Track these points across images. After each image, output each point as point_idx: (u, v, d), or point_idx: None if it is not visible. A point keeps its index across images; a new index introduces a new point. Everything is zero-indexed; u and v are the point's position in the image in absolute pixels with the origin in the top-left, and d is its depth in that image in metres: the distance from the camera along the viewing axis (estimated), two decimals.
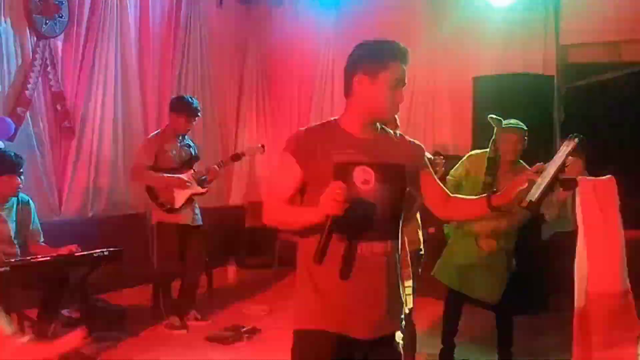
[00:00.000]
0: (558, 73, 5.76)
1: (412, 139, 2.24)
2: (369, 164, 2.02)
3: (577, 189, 2.17)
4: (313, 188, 2.03)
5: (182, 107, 4.78)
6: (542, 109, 5.52)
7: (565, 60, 5.80)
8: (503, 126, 3.87)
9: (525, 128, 3.90)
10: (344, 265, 1.98)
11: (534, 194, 2.13)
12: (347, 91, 2.11)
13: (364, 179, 1.99)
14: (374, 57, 2.04)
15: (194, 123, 4.85)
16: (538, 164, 2.14)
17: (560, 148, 2.18)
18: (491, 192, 2.18)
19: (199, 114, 4.84)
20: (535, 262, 4.98)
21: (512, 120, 3.93)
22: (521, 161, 3.88)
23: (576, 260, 2.19)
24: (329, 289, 2.03)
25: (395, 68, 2.04)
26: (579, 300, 2.21)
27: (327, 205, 1.85)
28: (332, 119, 2.17)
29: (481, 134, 4.69)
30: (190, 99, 4.90)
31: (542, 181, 2.13)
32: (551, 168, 2.13)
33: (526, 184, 2.09)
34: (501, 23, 5.93)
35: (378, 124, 2.15)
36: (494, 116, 3.94)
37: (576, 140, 2.11)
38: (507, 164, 3.86)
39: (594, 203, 2.15)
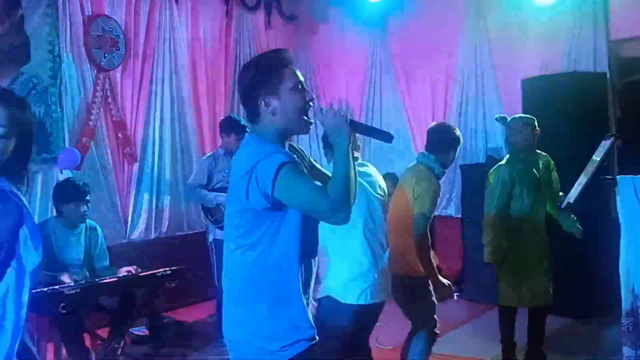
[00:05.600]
0: (610, 69, 5.62)
1: None
2: None
3: (617, 188, 2.17)
4: None
5: (229, 127, 4.96)
6: (596, 107, 5.40)
7: (617, 56, 5.65)
8: (508, 121, 4.03)
9: (531, 118, 4.00)
10: None
11: (573, 195, 2.14)
12: None
13: None
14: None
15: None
16: None
17: (598, 148, 2.19)
18: None
19: (247, 130, 5.00)
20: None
21: (516, 116, 4.12)
22: (541, 152, 4.03)
23: (620, 259, 2.18)
24: None
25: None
26: (626, 300, 2.20)
27: (341, 127, 1.97)
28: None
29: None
30: (237, 118, 5.08)
31: (581, 181, 2.14)
32: (590, 168, 2.14)
33: None
34: (547, 22, 5.82)
35: None
36: (498, 116, 4.18)
37: (612, 139, 2.12)
38: (524, 152, 3.95)
39: (635, 201, 2.15)
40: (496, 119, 4.19)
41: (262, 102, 2.01)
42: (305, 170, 2.11)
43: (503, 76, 6.23)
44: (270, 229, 1.96)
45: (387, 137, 2.02)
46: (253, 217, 1.96)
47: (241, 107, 6.98)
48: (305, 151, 2.25)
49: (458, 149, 3.59)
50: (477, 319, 5.21)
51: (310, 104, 2.05)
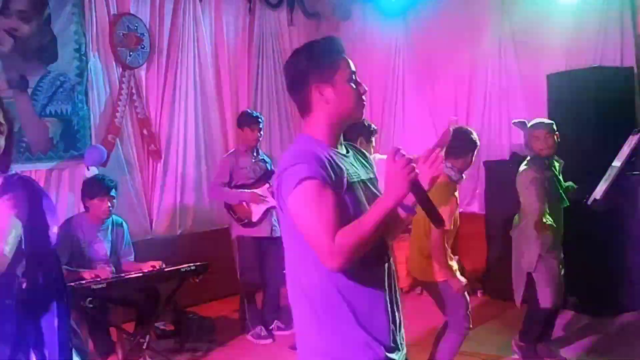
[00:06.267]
0: (637, 63, 5.51)
1: None
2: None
3: None
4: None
5: (243, 121, 5.03)
6: (622, 102, 5.32)
7: None
8: (528, 127, 3.98)
9: (551, 123, 3.97)
10: None
11: (599, 191, 2.12)
12: None
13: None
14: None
15: (261, 133, 5.02)
16: None
17: (625, 144, 2.16)
18: None
19: (260, 121, 5.01)
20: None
21: (536, 120, 4.06)
22: (556, 157, 3.99)
23: None
24: None
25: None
26: None
27: (399, 184, 1.68)
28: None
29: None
30: (249, 111, 5.19)
31: (608, 178, 2.12)
32: (616, 164, 2.11)
33: None
34: (572, 15, 5.74)
35: None
36: (517, 121, 4.13)
37: (639, 134, 2.09)
38: (547, 159, 3.92)
39: None
40: (514, 124, 4.17)
41: (316, 91, 1.85)
42: (364, 172, 1.90)
43: (528, 71, 6.15)
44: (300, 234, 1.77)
45: (438, 221, 1.77)
46: (288, 219, 1.79)
47: (264, 104, 7.02)
48: (369, 157, 2.04)
49: (476, 152, 3.62)
50: (501, 316, 5.18)
51: (364, 97, 1.91)
